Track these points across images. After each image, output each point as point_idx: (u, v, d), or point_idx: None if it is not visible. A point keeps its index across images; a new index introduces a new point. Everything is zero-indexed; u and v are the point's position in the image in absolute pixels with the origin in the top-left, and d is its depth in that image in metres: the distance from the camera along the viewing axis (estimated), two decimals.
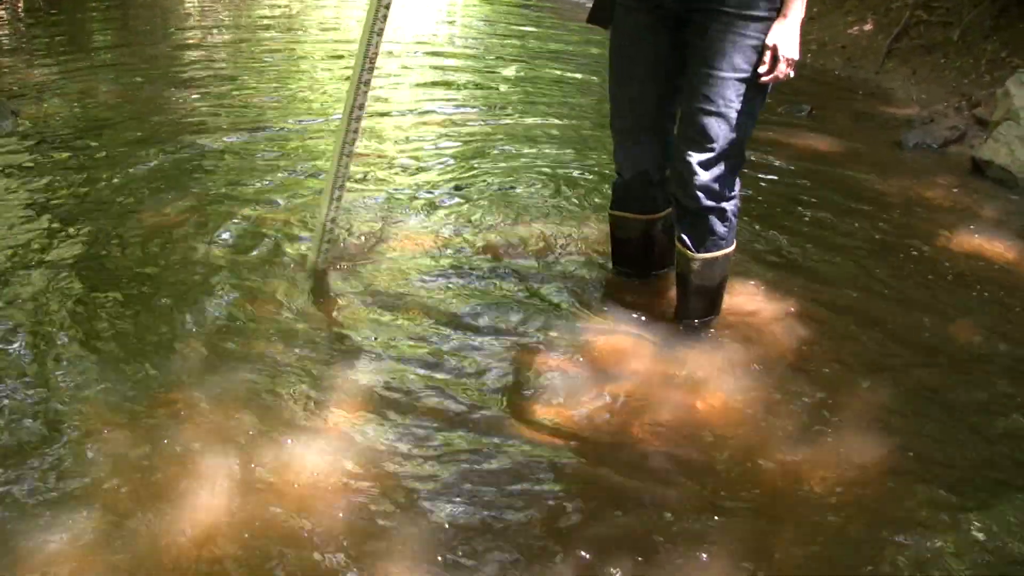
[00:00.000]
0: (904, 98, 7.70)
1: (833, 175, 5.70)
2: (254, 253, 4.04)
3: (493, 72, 8.07)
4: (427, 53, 8.65)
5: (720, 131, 3.16)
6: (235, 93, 6.75)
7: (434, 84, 7.43)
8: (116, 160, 5.17)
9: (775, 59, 3.05)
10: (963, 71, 7.80)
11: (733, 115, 3.14)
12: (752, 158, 5.50)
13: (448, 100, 6.92)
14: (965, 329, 3.86)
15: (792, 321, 3.76)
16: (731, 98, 3.12)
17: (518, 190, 5.06)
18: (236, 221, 4.37)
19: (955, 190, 5.61)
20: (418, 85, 7.35)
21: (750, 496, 2.73)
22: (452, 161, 5.49)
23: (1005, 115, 6.21)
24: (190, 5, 11.47)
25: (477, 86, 7.56)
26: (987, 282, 4.30)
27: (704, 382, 3.28)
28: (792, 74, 3.10)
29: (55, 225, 4.25)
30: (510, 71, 8.12)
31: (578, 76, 8.01)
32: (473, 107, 6.88)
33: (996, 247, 4.74)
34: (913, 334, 3.77)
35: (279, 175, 5.05)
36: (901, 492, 2.77)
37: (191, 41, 8.84)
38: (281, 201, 4.64)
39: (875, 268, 4.34)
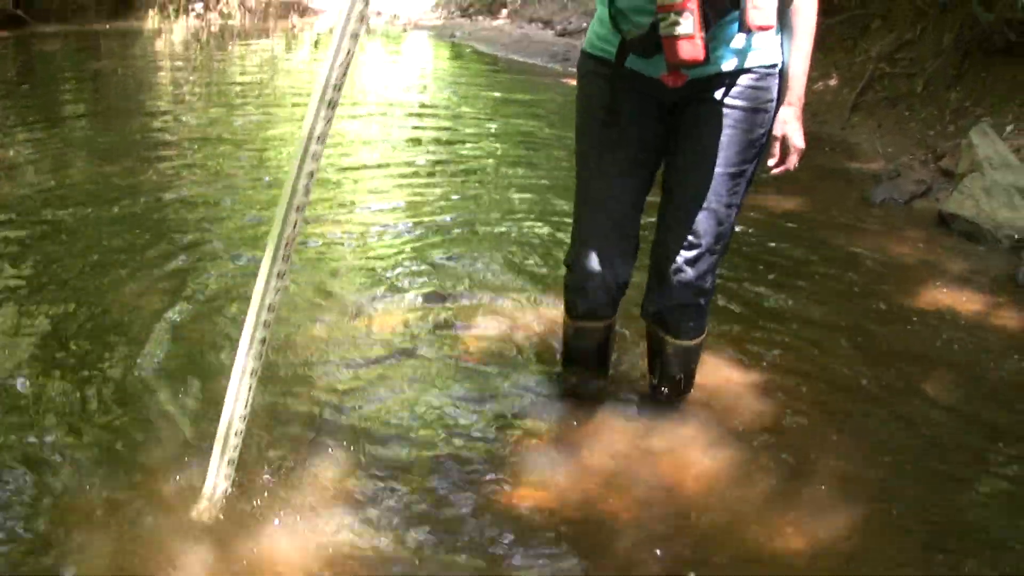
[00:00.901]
0: (870, 152, 7.75)
1: (801, 234, 5.71)
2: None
3: (469, 137, 8.14)
4: (406, 115, 8.74)
5: (709, 227, 2.99)
6: (208, 164, 6.82)
7: (407, 157, 7.43)
8: (86, 238, 5.16)
9: (785, 150, 2.93)
10: (927, 122, 7.85)
11: (723, 210, 2.98)
12: None
13: (418, 180, 6.91)
14: (936, 389, 3.83)
15: (762, 387, 3.72)
16: (723, 193, 2.95)
17: (482, 265, 5.01)
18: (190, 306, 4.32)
19: (922, 245, 5.62)
20: (387, 163, 7.33)
21: (726, 562, 2.71)
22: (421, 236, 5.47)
23: (970, 167, 6.25)
24: (163, 75, 11.59)
25: (450, 152, 7.64)
26: (956, 340, 4.28)
27: (679, 453, 3.23)
28: (797, 163, 2.98)
29: (24, 306, 4.22)
30: (486, 139, 8.16)
31: (549, 131, 8.09)
32: (445, 175, 6.92)
33: (964, 303, 4.72)
34: (884, 396, 3.74)
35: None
36: (875, 554, 2.75)
37: (164, 116, 8.87)
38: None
39: (843, 331, 4.31)
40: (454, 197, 6.32)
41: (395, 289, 4.61)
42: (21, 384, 3.54)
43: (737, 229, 5.55)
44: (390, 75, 12.45)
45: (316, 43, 17.32)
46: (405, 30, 18.49)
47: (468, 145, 8.05)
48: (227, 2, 24.20)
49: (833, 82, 9.26)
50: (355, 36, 2.23)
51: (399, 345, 4.00)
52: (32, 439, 3.15)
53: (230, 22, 20.32)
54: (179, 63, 13.27)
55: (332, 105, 2.26)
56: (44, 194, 5.94)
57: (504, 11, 19.32)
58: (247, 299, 2.36)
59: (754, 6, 2.61)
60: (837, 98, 8.98)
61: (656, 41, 2.66)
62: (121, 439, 3.16)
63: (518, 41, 15.08)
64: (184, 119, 8.68)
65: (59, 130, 7.92)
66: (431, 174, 7.00)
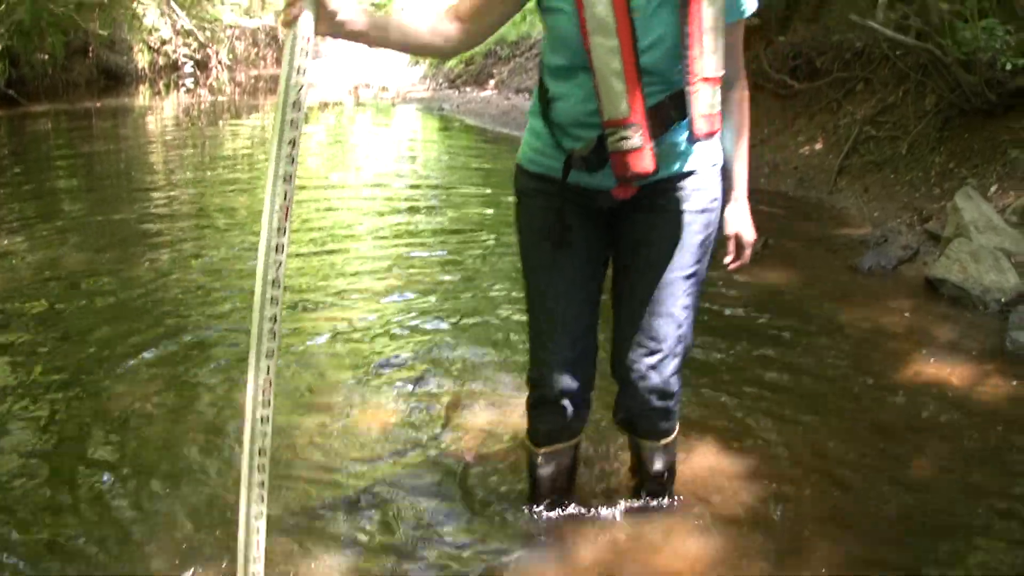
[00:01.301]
0: (857, 217, 7.79)
1: (789, 305, 5.72)
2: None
3: (460, 212, 8.18)
4: (397, 189, 8.79)
5: (669, 331, 2.92)
6: (201, 248, 6.91)
7: (397, 242, 7.46)
8: (81, 329, 5.20)
9: (740, 247, 2.97)
10: (913, 185, 7.89)
11: (681, 312, 2.92)
12: (710, 295, 5.53)
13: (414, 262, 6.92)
14: (925, 464, 3.84)
15: (752, 470, 3.72)
16: (679, 296, 2.89)
17: (475, 348, 5.02)
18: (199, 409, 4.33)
19: (910, 313, 5.62)
20: (381, 237, 7.38)
21: None
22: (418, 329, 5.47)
23: (956, 230, 6.28)
24: (155, 155, 11.67)
25: (441, 228, 7.68)
26: (943, 412, 4.29)
27: (673, 545, 3.23)
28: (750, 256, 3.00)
29: (21, 402, 4.25)
30: (476, 213, 8.20)
31: None
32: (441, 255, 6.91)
33: (952, 374, 4.72)
34: (873, 475, 3.73)
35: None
36: None
37: (157, 199, 8.95)
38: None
39: (831, 406, 4.33)
40: (445, 277, 6.33)
41: (386, 378, 4.62)
42: (20, 484, 3.56)
43: (726, 300, 5.64)
44: (381, 149, 12.56)
45: (305, 119, 17.40)
46: (394, 103, 18.63)
47: (459, 220, 8.09)
48: (217, 77, 24.42)
49: (819, 146, 9.32)
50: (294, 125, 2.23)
51: (392, 442, 4.00)
52: (30, 538, 3.17)
53: (220, 98, 20.43)
54: (170, 141, 13.40)
55: (288, 178, 2.23)
56: (38, 284, 6.01)
57: (491, 82, 19.43)
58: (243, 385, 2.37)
59: (701, 115, 2.60)
60: (823, 162, 9.03)
61: (603, 156, 2.64)
62: (126, 539, 3.19)
63: (506, 112, 15.17)
64: (176, 201, 8.74)
65: (52, 215, 8.01)
66: (422, 248, 7.04)
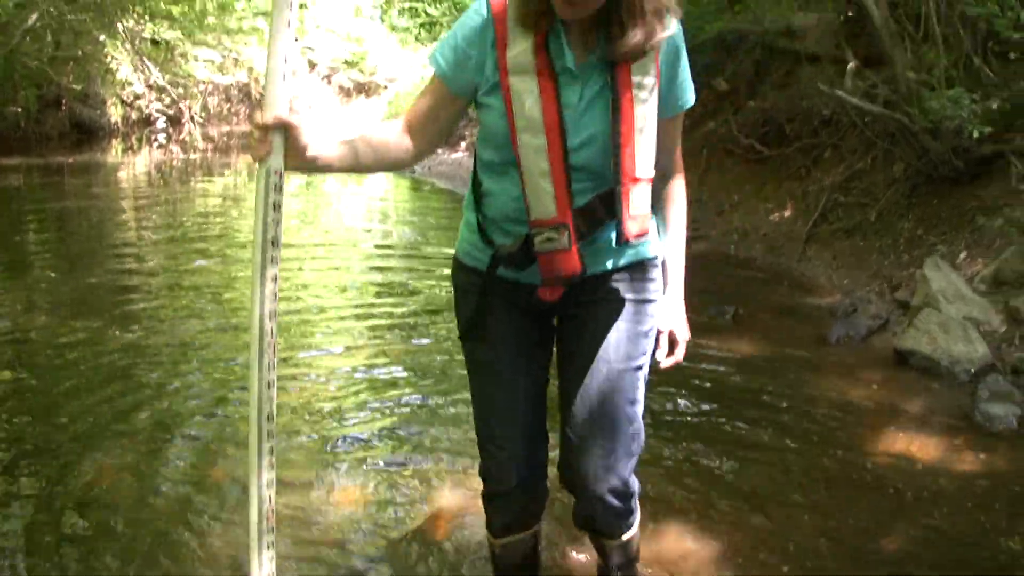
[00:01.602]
0: (827, 285, 7.80)
1: (758, 380, 5.68)
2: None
3: (430, 276, 8.15)
4: (368, 254, 8.77)
5: (621, 429, 2.76)
6: (174, 311, 6.91)
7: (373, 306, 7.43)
8: (54, 399, 5.15)
9: (673, 343, 2.84)
10: (882, 252, 7.92)
11: (630, 408, 2.77)
12: (677, 367, 5.50)
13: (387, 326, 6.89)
14: (892, 544, 3.81)
15: (722, 553, 3.69)
16: (626, 390, 2.74)
17: (445, 421, 4.97)
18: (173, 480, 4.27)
19: (879, 386, 5.61)
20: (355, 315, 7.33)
21: None
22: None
23: (924, 300, 6.30)
24: (127, 214, 11.63)
25: (411, 293, 7.64)
26: (912, 488, 4.26)
27: None
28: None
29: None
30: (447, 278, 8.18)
31: None
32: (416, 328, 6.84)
33: (921, 448, 4.72)
34: (844, 554, 3.71)
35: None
36: None
37: (129, 259, 8.93)
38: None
39: (800, 483, 4.31)
40: (415, 341, 6.34)
41: (355, 455, 4.59)
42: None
43: (694, 372, 5.62)
44: (351, 212, 12.56)
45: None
46: (358, 134, 18.59)
47: (429, 284, 8.07)
48: (189, 132, 24.42)
49: (788, 212, 9.36)
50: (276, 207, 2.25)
51: (363, 523, 3.96)
52: None
53: (192, 155, 20.42)
54: (142, 200, 13.35)
55: (272, 315, 2.25)
56: (7, 348, 5.93)
57: (463, 143, 19.53)
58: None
59: (630, 217, 2.53)
60: (792, 229, 9.06)
61: (530, 255, 2.57)
62: None
63: None
64: (148, 262, 8.71)
65: (22, 276, 7.94)
66: (392, 316, 7.04)
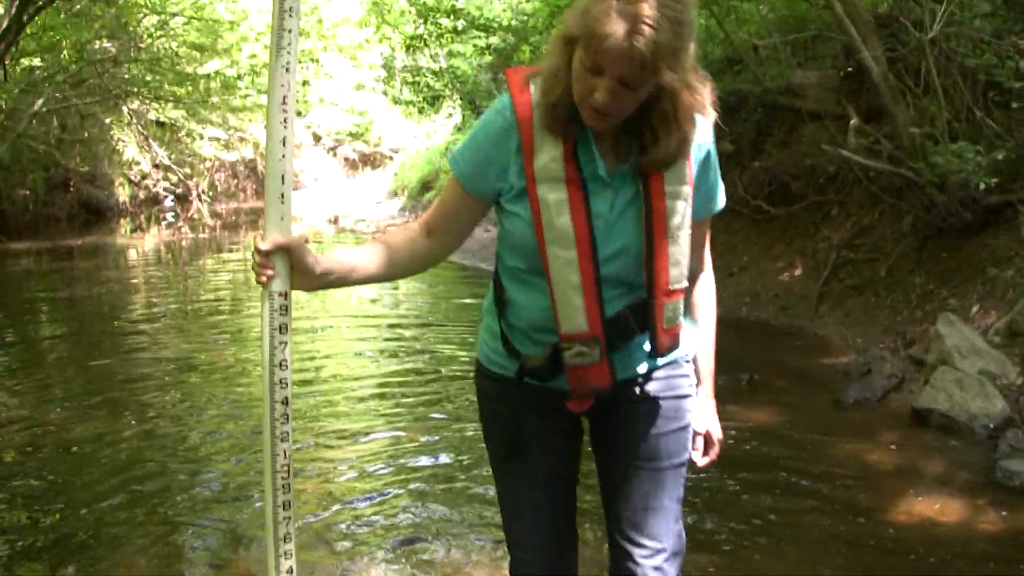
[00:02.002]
0: (840, 344, 7.75)
1: (776, 448, 5.60)
2: None
3: (442, 352, 8.10)
4: (379, 327, 8.72)
5: (667, 528, 2.64)
6: (188, 403, 6.75)
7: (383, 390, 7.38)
8: (71, 498, 5.03)
9: (709, 444, 2.76)
10: (895, 308, 7.88)
11: (675, 506, 2.66)
12: None
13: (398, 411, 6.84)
14: None
15: None
16: (671, 488, 2.64)
17: (457, 502, 4.90)
18: None
19: (899, 447, 5.55)
20: (366, 395, 7.28)
21: None
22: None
23: (939, 357, 6.25)
24: (137, 298, 11.61)
25: (424, 370, 7.54)
26: (934, 554, 4.19)
27: None
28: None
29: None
30: (459, 350, 8.14)
31: None
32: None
33: (942, 511, 4.65)
34: None
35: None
36: None
37: (140, 346, 8.84)
38: None
39: (822, 552, 4.23)
40: (431, 416, 6.29)
41: (373, 539, 4.52)
42: None
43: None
44: (361, 297, 12.51)
45: None
46: (373, 237, 18.65)
47: (441, 361, 8.03)
48: (197, 210, 24.58)
49: (798, 271, 9.33)
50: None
51: None
52: None
53: (201, 235, 20.51)
54: (153, 282, 13.41)
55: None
56: (25, 438, 5.92)
57: None
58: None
59: (664, 330, 2.44)
60: (803, 288, 9.03)
61: (559, 367, 2.43)
62: None
63: (486, 247, 15.18)
64: (162, 348, 8.67)
65: (38, 366, 7.98)
66: (404, 395, 6.96)
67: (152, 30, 18.75)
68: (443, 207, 2.52)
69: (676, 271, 2.41)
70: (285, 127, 2.15)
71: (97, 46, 17.43)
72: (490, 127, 2.38)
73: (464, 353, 8.02)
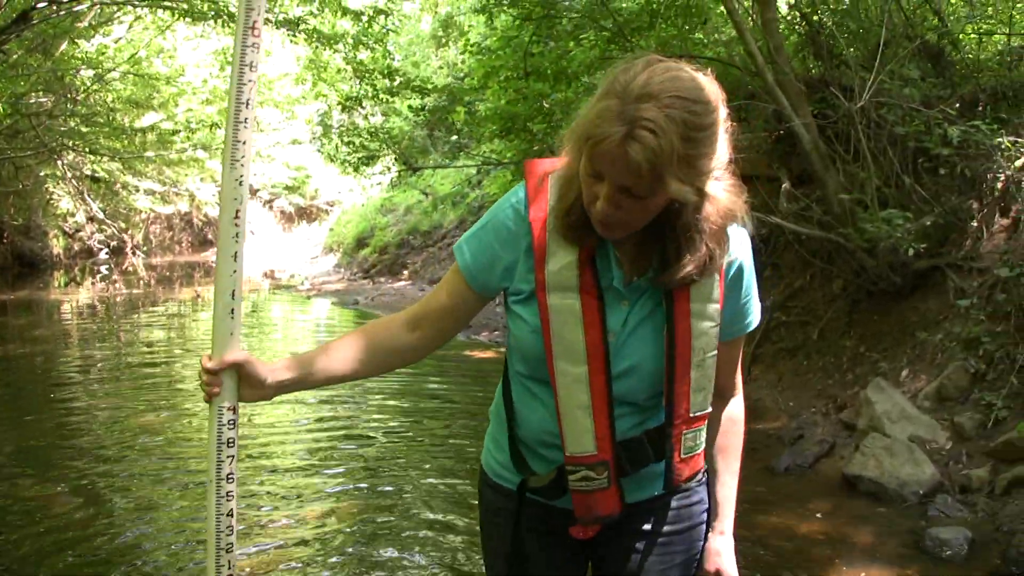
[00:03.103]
0: (773, 408, 7.78)
1: None
2: None
3: (377, 433, 8.00)
4: (312, 405, 8.60)
5: None
6: (127, 471, 6.62)
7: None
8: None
9: None
10: (826, 371, 7.93)
11: None
12: None
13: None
14: None
15: None
16: None
17: None
18: None
19: (830, 516, 5.58)
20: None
21: None
22: None
23: (869, 423, 6.29)
24: (72, 355, 11.40)
25: (356, 454, 7.43)
26: None
27: None
28: None
29: None
30: (397, 437, 8.04)
31: (455, 415, 7.98)
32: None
33: None
34: None
35: None
36: None
37: (76, 410, 8.63)
38: None
39: None
40: (380, 489, 6.21)
41: None
42: None
43: None
44: (299, 345, 12.38)
45: None
46: (309, 297, 18.58)
47: (378, 442, 7.83)
48: (132, 264, 24.34)
49: None
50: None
51: None
52: None
53: (135, 290, 20.28)
54: (88, 341, 13.21)
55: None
56: None
57: (405, 272, 19.60)
58: None
59: (681, 460, 2.23)
60: None
61: (563, 487, 2.24)
62: None
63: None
64: (98, 414, 8.48)
65: None
66: (347, 465, 6.88)
67: (88, 83, 18.62)
68: (439, 298, 2.30)
69: (699, 397, 2.20)
70: (237, 241, 2.07)
71: (33, 99, 17.27)
72: (501, 221, 2.20)
73: (396, 446, 7.92)
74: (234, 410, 2.11)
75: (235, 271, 2.08)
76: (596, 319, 2.11)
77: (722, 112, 1.95)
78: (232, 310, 2.09)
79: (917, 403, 6.60)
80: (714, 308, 2.14)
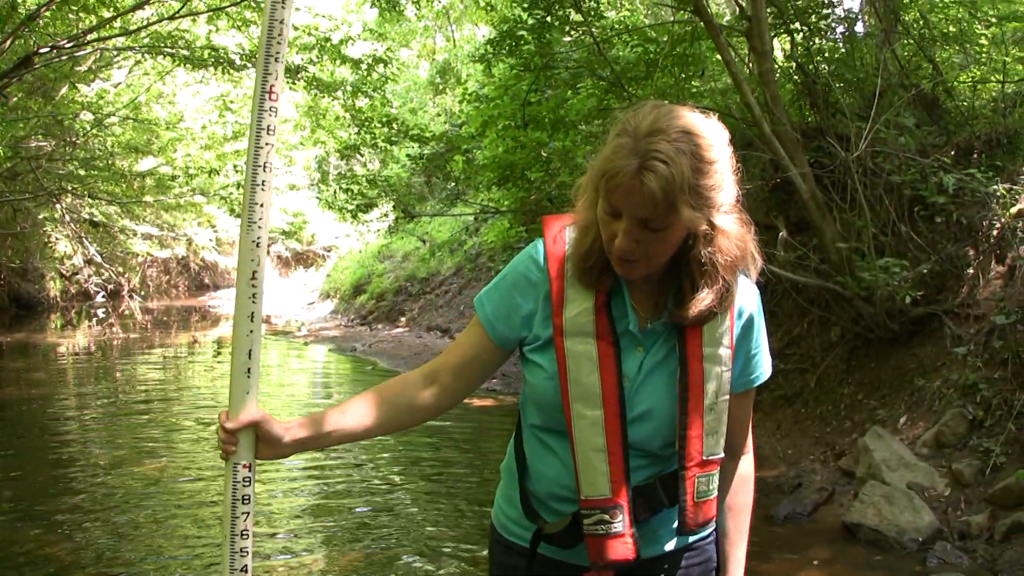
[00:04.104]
0: (771, 456, 7.78)
1: None
2: None
3: (378, 486, 7.98)
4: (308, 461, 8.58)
5: None
6: (128, 522, 6.54)
7: None
8: None
9: None
10: (824, 419, 7.95)
11: None
12: None
13: None
14: None
15: None
16: None
17: None
18: None
19: (828, 565, 5.57)
20: None
21: None
22: None
23: (868, 470, 6.30)
24: (69, 402, 11.35)
25: (358, 499, 7.43)
26: None
27: None
28: None
29: None
30: (398, 490, 8.02)
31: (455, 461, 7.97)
32: None
33: None
34: None
35: None
36: None
37: (74, 459, 8.54)
38: None
39: None
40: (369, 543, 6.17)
41: None
42: None
43: None
44: (298, 403, 12.30)
45: (218, 352, 17.33)
46: (306, 343, 18.57)
47: (377, 494, 7.85)
48: (128, 307, 24.35)
49: None
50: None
51: None
52: None
53: (132, 334, 20.26)
54: (85, 386, 13.15)
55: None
56: None
57: (403, 319, 19.59)
58: None
59: (695, 504, 2.21)
60: None
61: (578, 536, 2.22)
62: None
63: (418, 354, 15.19)
64: (95, 459, 8.46)
65: None
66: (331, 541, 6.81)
67: (88, 127, 18.70)
68: (458, 351, 2.34)
69: (712, 440, 2.22)
70: (254, 302, 2.11)
71: (32, 143, 17.35)
72: (521, 272, 2.26)
73: (397, 499, 7.90)
74: (250, 467, 2.11)
75: (252, 331, 2.10)
76: (612, 365, 2.15)
77: (727, 150, 2.05)
78: (249, 369, 2.10)
79: (915, 450, 6.60)
80: (726, 352, 2.19)
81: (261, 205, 2.09)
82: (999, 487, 5.82)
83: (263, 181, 2.08)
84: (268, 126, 2.07)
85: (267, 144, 2.07)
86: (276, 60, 2.06)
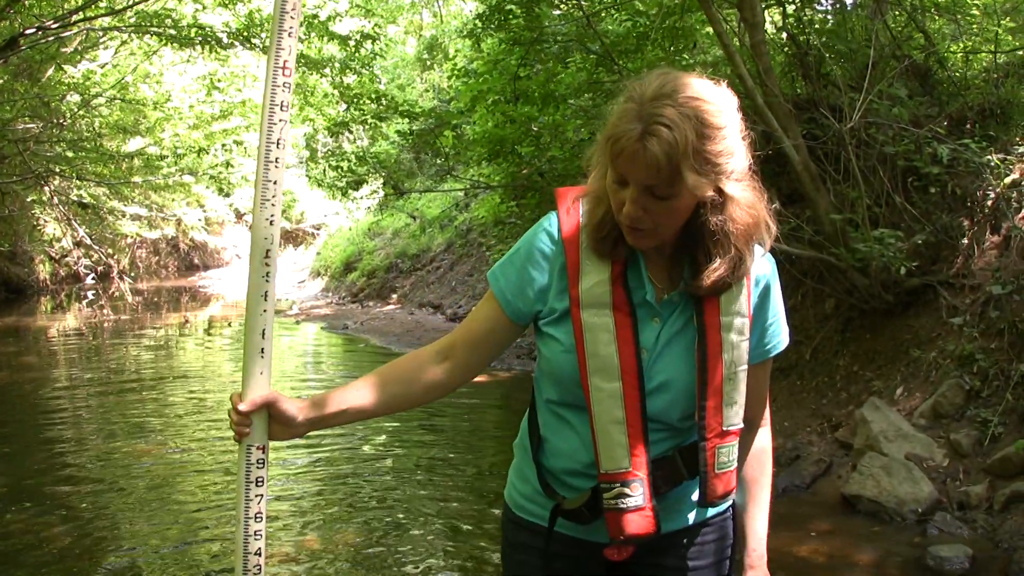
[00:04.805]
0: None
1: None
2: None
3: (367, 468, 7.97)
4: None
5: None
6: (118, 514, 6.45)
7: None
8: None
9: None
10: (820, 390, 7.95)
11: None
12: None
13: None
14: None
15: None
16: None
17: None
18: None
19: (829, 537, 5.59)
20: None
21: None
22: None
23: (866, 442, 6.31)
24: (60, 389, 11.30)
25: (350, 484, 7.41)
26: None
27: None
28: None
29: None
30: (387, 473, 8.02)
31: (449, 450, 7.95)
32: None
33: None
34: None
35: None
36: None
37: (64, 446, 8.43)
38: None
39: None
40: (371, 526, 6.18)
41: None
42: None
43: None
44: (290, 380, 12.28)
45: (208, 331, 17.30)
46: (298, 322, 18.52)
47: (368, 477, 7.82)
48: (119, 288, 24.26)
49: None
50: None
51: None
52: None
53: (122, 315, 20.21)
54: (76, 368, 13.09)
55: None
56: None
57: (394, 296, 19.55)
58: None
59: (715, 475, 2.19)
60: None
61: (597, 510, 2.19)
62: None
63: (411, 331, 15.17)
64: (86, 445, 8.39)
65: None
66: (337, 517, 6.81)
67: (75, 109, 18.58)
68: (472, 326, 2.31)
69: (731, 410, 2.19)
70: (267, 281, 2.08)
71: (19, 125, 17.23)
72: (535, 245, 2.23)
73: (387, 483, 7.89)
74: (263, 449, 2.10)
75: (265, 310, 2.07)
76: (629, 336, 2.13)
77: (736, 117, 2.02)
78: (262, 349, 2.07)
79: (912, 421, 6.61)
80: (743, 321, 2.17)
81: (275, 182, 2.07)
82: (997, 457, 5.84)
83: (276, 158, 2.05)
84: (281, 102, 2.04)
85: (280, 120, 2.05)
86: (289, 35, 2.03)
